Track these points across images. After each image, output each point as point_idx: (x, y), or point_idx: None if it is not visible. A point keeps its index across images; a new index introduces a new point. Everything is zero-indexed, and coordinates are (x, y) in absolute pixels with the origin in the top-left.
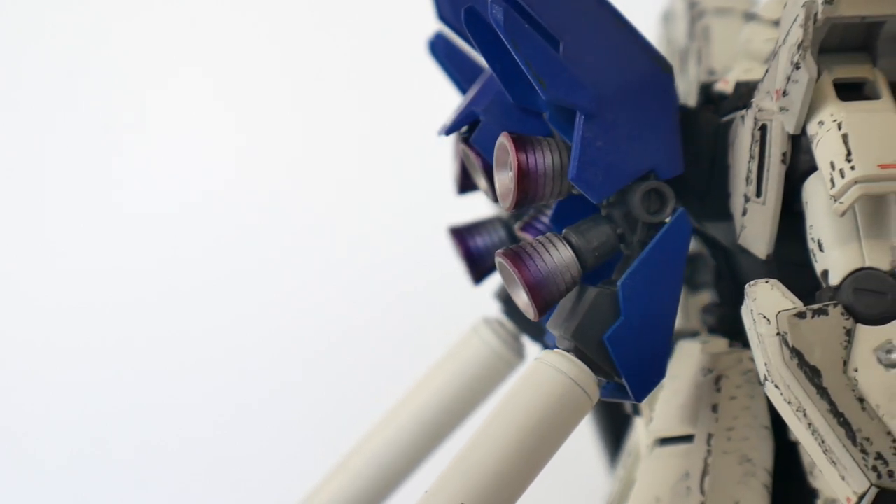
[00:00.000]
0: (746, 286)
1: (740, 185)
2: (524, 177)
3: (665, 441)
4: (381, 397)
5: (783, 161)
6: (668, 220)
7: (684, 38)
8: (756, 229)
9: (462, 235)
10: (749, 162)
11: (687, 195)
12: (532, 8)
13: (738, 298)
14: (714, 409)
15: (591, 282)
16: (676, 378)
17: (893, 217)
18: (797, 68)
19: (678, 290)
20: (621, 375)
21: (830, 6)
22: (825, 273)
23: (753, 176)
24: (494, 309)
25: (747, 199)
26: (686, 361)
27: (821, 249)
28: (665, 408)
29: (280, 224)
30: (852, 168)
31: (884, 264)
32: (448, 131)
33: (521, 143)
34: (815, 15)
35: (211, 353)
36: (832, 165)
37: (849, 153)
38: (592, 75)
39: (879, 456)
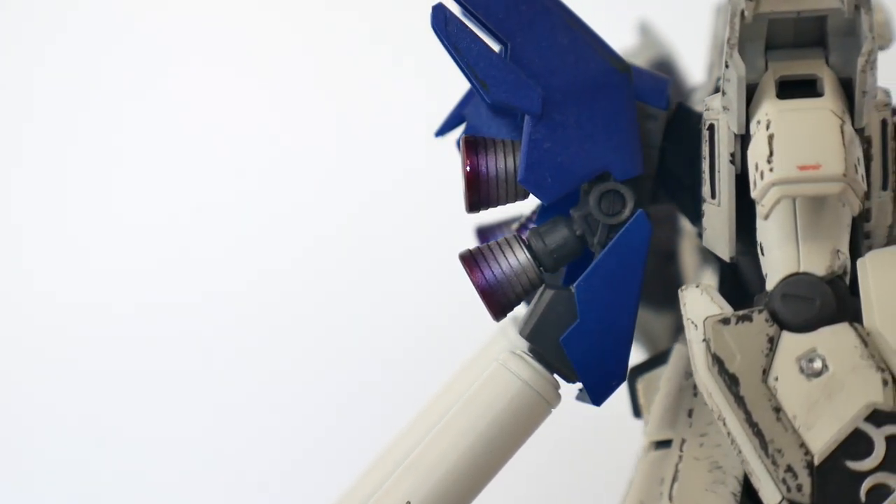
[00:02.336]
0: (679, 291)
1: (700, 186)
2: (474, 179)
3: (658, 444)
4: (408, 399)
5: (732, 161)
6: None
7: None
8: (715, 231)
9: (486, 237)
10: (702, 162)
11: (683, 196)
12: (476, 9)
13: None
14: (689, 413)
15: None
16: (669, 381)
17: (842, 219)
18: (726, 66)
19: (637, 293)
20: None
21: (752, 2)
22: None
23: (706, 177)
24: (519, 308)
25: (703, 201)
26: (677, 364)
27: (762, 253)
28: (655, 411)
29: (303, 226)
30: (771, 170)
31: (819, 269)
32: (438, 133)
33: (473, 147)
34: (742, 12)
35: (222, 358)
36: (756, 167)
37: (771, 154)
38: (540, 76)
39: (790, 468)
